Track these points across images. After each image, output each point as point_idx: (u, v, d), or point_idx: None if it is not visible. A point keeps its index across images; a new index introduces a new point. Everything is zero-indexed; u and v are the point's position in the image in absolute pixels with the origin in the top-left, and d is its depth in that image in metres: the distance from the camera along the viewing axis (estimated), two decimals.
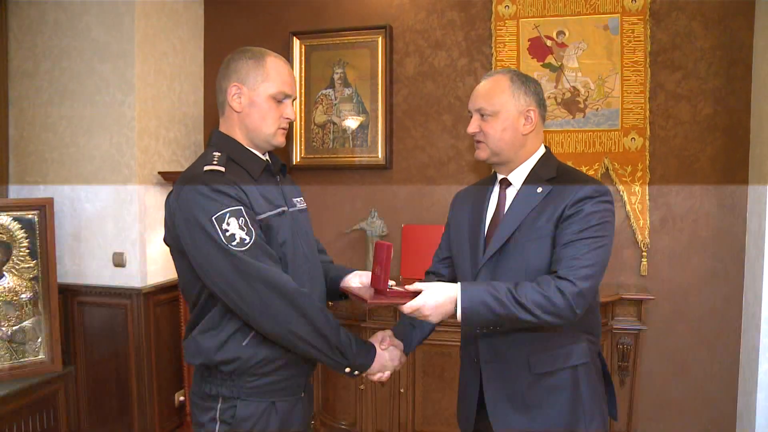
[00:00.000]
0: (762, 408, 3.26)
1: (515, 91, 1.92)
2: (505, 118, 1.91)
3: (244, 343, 1.76)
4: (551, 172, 1.93)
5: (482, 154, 1.98)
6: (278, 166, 1.98)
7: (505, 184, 2.00)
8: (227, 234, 1.66)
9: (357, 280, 2.06)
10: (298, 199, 2.02)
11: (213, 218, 1.66)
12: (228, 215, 1.67)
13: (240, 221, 1.68)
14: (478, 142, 1.98)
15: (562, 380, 1.89)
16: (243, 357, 1.76)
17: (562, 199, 1.84)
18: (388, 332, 2.05)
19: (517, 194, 1.95)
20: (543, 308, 1.70)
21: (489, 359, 1.93)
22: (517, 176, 1.98)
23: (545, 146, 2.02)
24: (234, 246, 1.66)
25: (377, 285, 1.86)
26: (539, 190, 1.90)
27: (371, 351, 1.91)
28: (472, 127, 1.96)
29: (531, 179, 1.94)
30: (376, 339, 2.00)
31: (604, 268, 1.81)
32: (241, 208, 1.71)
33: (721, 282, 3.58)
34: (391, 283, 1.88)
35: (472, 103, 1.98)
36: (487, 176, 2.17)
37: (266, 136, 1.87)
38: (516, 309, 1.70)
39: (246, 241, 1.68)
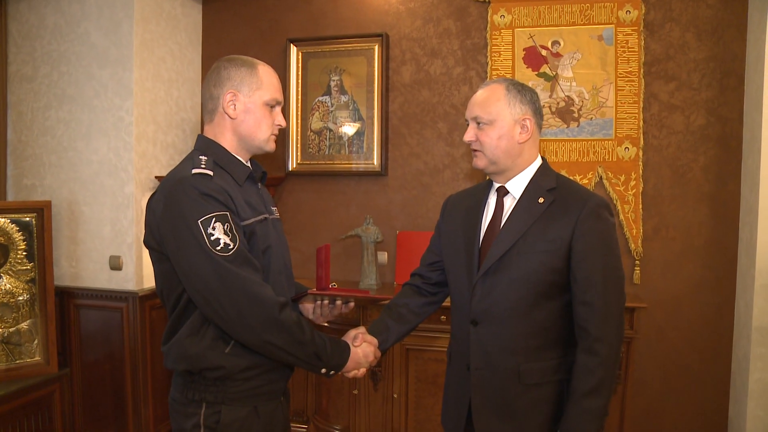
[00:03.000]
0: (753, 416, 3.28)
1: (511, 100, 1.93)
2: (500, 127, 1.93)
3: (226, 351, 1.77)
4: (551, 182, 1.95)
5: (480, 162, 2.00)
6: (260, 173, 2.01)
7: (503, 192, 2.01)
8: (212, 238, 1.66)
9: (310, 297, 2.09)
10: (274, 209, 2.05)
11: (199, 221, 1.66)
12: (214, 219, 1.68)
13: (225, 226, 1.69)
14: (475, 150, 1.99)
15: (549, 393, 1.91)
16: (227, 366, 1.77)
17: (570, 213, 1.87)
18: (361, 329, 2.06)
19: (517, 204, 1.96)
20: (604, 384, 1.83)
21: (480, 366, 1.95)
22: (516, 185, 1.99)
23: (541, 156, 2.04)
24: (218, 251, 1.66)
25: (320, 285, 1.98)
26: (541, 200, 1.92)
27: (345, 350, 1.93)
28: (469, 136, 1.98)
29: (531, 189, 1.96)
30: (348, 337, 2.01)
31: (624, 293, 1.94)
32: (227, 213, 1.72)
33: (713, 291, 3.61)
34: (333, 284, 1.96)
35: (468, 112, 2.00)
36: (481, 182, 2.18)
37: (260, 141, 1.90)
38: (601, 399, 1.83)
39: (230, 247, 1.68)
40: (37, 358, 3.62)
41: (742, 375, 3.39)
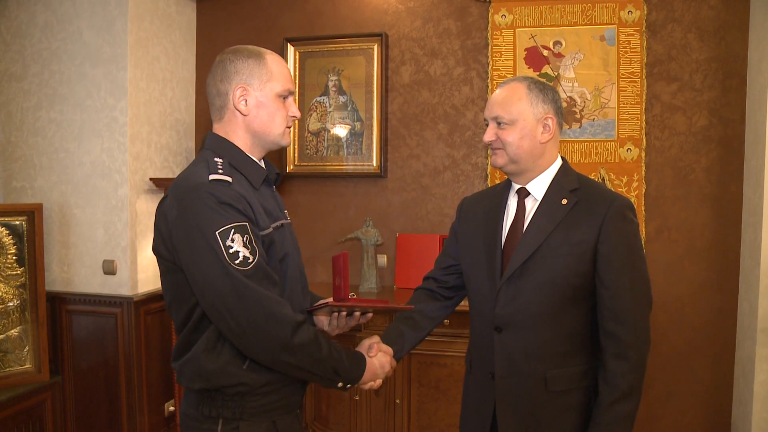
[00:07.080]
0: (757, 419, 3.26)
1: (533, 99, 1.87)
2: (522, 127, 1.86)
3: (244, 367, 1.68)
4: (573, 183, 1.89)
5: (499, 160, 1.92)
6: (274, 174, 1.89)
7: (523, 194, 1.95)
8: (230, 251, 1.55)
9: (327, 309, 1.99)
10: (285, 212, 1.94)
11: (217, 233, 1.55)
12: (233, 231, 1.57)
13: (245, 238, 1.58)
14: (496, 149, 1.92)
15: (576, 399, 1.86)
16: (249, 382, 1.68)
17: (595, 215, 1.81)
18: (376, 338, 1.96)
19: (539, 205, 1.90)
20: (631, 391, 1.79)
21: (505, 374, 1.88)
22: (537, 186, 1.92)
23: (561, 156, 1.98)
24: (236, 265, 1.55)
25: (338, 296, 1.87)
26: (564, 201, 1.86)
27: (362, 362, 1.84)
28: (489, 136, 1.91)
29: (553, 190, 1.90)
30: (363, 347, 1.92)
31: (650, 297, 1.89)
32: (247, 224, 1.61)
33: (717, 292, 3.60)
34: (353, 294, 1.87)
35: (488, 111, 1.93)
36: (498, 184, 2.12)
37: (275, 136, 1.78)
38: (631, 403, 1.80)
39: (249, 261, 1.58)
40: (27, 365, 3.52)
41: (747, 377, 3.37)
